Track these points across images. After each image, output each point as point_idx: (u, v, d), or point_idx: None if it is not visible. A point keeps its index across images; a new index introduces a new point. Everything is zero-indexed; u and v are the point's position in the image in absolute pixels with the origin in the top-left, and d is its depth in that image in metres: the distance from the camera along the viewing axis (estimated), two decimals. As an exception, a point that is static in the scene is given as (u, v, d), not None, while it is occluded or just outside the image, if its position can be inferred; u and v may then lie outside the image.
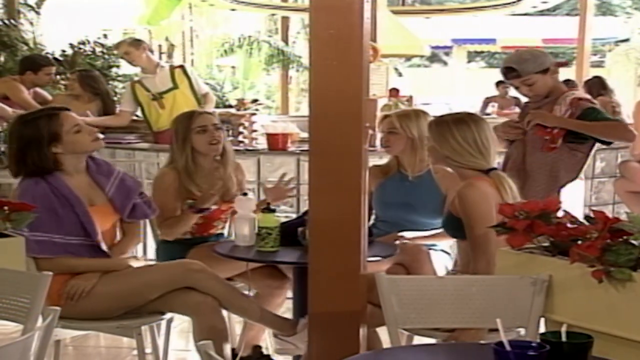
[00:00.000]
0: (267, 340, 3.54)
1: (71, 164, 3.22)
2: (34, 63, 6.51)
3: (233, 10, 11.79)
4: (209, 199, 3.60)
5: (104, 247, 3.20)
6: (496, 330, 1.73)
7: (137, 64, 6.17)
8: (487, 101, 11.03)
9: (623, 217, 2.26)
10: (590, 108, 3.99)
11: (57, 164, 3.18)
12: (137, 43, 6.14)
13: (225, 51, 13.33)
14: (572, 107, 3.96)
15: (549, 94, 4.04)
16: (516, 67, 4.00)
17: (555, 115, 3.99)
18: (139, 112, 6.14)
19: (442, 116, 3.26)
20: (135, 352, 3.24)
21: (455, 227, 3.11)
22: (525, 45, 17.96)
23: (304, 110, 10.13)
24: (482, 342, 2.54)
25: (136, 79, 6.15)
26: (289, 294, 3.62)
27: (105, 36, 9.33)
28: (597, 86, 7.01)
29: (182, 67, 6.29)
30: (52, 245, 3.09)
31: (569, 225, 2.38)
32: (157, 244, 3.81)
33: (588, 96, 4.25)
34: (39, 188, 3.12)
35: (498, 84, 10.77)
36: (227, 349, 3.15)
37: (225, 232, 3.87)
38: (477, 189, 3.03)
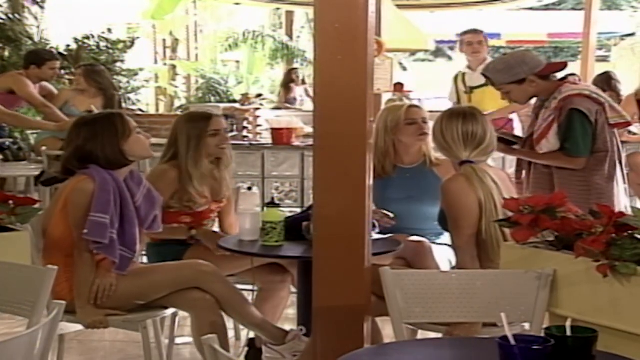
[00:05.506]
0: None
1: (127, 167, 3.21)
2: (37, 57, 6.52)
3: (237, 4, 11.77)
4: (202, 201, 3.62)
5: (135, 259, 3.20)
6: (491, 324, 1.72)
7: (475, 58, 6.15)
8: None
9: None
10: (570, 111, 3.71)
11: (125, 159, 3.16)
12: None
13: (230, 46, 13.32)
14: (556, 111, 3.75)
15: (537, 96, 3.87)
16: (490, 76, 3.93)
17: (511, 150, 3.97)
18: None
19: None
20: (139, 345, 3.24)
21: (446, 221, 3.16)
22: (531, 40, 17.94)
23: (308, 105, 10.10)
24: (487, 336, 2.54)
25: (462, 71, 6.22)
26: (293, 289, 3.62)
27: (109, 30, 9.33)
28: (602, 83, 7.01)
29: None
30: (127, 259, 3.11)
31: (573, 219, 2.38)
32: (146, 246, 3.70)
33: (575, 89, 3.80)
34: (110, 181, 3.09)
35: None
36: (228, 343, 3.18)
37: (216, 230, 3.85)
38: (457, 183, 3.10)
